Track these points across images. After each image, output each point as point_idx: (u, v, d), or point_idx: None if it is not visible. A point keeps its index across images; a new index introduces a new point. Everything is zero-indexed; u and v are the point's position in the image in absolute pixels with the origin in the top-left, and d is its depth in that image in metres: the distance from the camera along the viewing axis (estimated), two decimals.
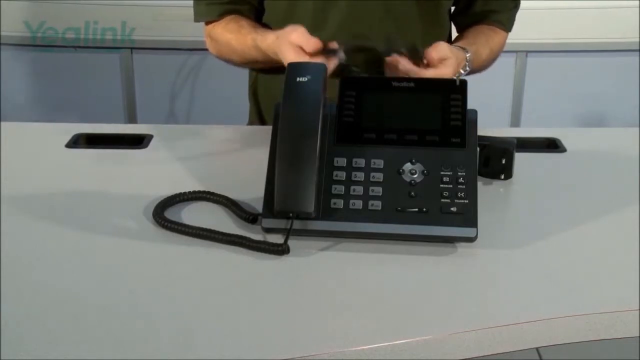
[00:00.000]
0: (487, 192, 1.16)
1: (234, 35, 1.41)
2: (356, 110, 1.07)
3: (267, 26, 1.42)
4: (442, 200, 1.01)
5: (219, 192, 1.11)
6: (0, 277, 0.92)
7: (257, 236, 1.01)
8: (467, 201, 1.01)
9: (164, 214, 1.06)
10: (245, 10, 1.44)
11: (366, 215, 1.00)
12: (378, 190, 1.02)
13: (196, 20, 1.47)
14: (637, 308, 0.89)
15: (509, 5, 1.49)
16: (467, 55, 1.34)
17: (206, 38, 1.48)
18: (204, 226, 1.02)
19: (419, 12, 1.40)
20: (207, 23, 1.46)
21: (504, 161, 1.19)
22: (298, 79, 1.03)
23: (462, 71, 1.33)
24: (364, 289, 0.93)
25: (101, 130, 1.41)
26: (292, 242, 0.98)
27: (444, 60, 1.25)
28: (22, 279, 0.94)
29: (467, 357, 0.85)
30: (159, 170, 1.26)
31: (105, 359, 0.79)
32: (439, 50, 1.26)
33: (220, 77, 2.40)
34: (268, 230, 1.02)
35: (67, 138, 1.35)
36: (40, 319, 0.85)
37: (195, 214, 1.08)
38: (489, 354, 0.85)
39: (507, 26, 1.50)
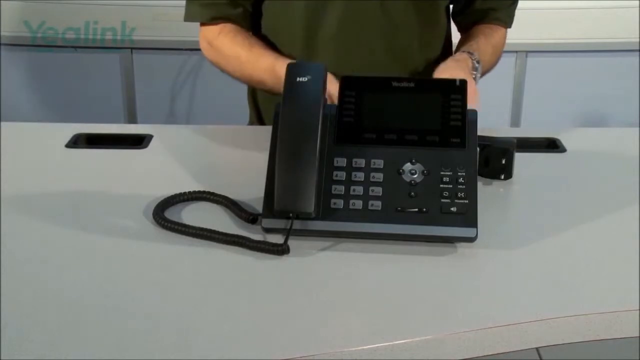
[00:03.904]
0: (487, 192, 1.16)
1: (245, 52, 1.39)
2: (356, 110, 1.07)
3: (268, 41, 1.42)
4: (442, 200, 1.01)
5: (219, 192, 1.11)
6: (0, 277, 0.92)
7: (257, 236, 1.01)
8: (467, 201, 1.01)
9: (164, 214, 1.06)
10: (239, 15, 1.42)
11: (366, 215, 1.00)
12: (378, 191, 1.02)
13: (186, 19, 1.44)
14: (637, 308, 0.89)
15: (506, 3, 1.50)
16: (474, 58, 1.34)
17: (202, 42, 1.46)
18: (204, 226, 1.02)
19: (415, 11, 1.40)
20: (202, 25, 1.44)
21: (504, 161, 1.19)
22: (298, 79, 1.03)
23: (474, 72, 1.32)
24: (364, 289, 0.93)
25: (101, 130, 1.41)
26: (292, 242, 0.98)
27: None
28: (22, 279, 0.93)
29: (467, 357, 0.85)
30: (159, 170, 1.26)
31: (105, 359, 0.79)
32: (440, 74, 1.25)
33: (220, 77, 2.38)
34: (268, 230, 1.02)
35: (67, 138, 1.35)
36: (40, 319, 0.85)
37: (195, 214, 1.08)
38: (489, 354, 0.85)
39: (508, 23, 1.51)
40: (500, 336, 0.85)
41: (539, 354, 1.52)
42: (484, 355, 0.85)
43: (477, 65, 1.34)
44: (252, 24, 1.45)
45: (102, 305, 0.88)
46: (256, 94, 1.54)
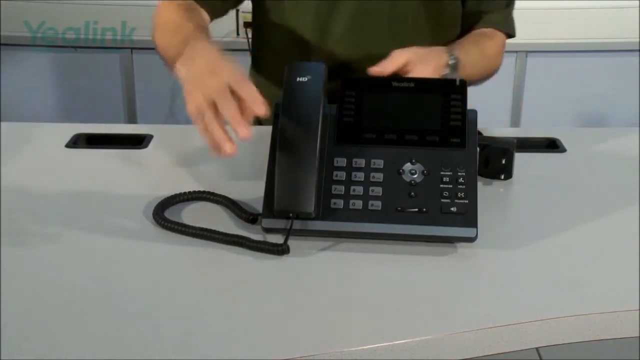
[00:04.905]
0: (487, 192, 1.16)
1: (179, 19, 1.27)
2: (356, 110, 1.07)
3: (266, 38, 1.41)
4: (442, 200, 1.01)
5: (219, 192, 1.11)
6: (0, 277, 0.92)
7: (257, 236, 1.01)
8: (467, 201, 1.01)
9: (164, 214, 1.06)
10: (208, 6, 1.34)
11: (366, 215, 1.00)
12: (378, 191, 1.02)
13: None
14: (637, 308, 0.89)
15: (500, 4, 1.46)
16: (453, 55, 1.27)
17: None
18: (204, 226, 1.02)
19: (425, 13, 1.40)
20: None
21: (504, 161, 1.19)
22: (298, 79, 1.03)
23: (449, 61, 1.26)
24: (364, 289, 0.93)
25: (101, 130, 1.41)
26: (292, 242, 0.98)
27: (410, 63, 1.20)
28: (22, 279, 0.94)
29: (467, 357, 0.85)
30: (159, 170, 1.26)
31: (105, 359, 0.79)
32: (395, 58, 1.20)
33: None
34: (268, 230, 1.02)
35: (67, 138, 1.35)
36: (40, 319, 0.85)
37: (195, 214, 1.08)
38: (489, 354, 0.85)
39: (504, 26, 1.46)
40: (500, 336, 0.85)
41: (539, 354, 1.52)
42: (484, 355, 0.85)
43: (451, 62, 1.26)
44: (254, 26, 1.45)
45: (102, 305, 0.88)
46: None
